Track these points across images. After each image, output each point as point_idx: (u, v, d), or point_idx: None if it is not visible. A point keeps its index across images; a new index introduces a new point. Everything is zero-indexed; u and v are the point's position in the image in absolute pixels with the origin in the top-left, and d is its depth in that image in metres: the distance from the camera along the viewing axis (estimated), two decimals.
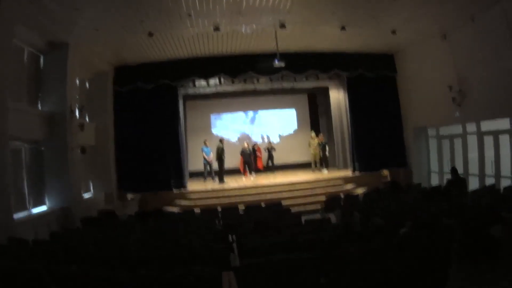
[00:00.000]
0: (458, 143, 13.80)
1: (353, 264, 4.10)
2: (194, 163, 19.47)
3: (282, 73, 15.81)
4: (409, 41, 14.76)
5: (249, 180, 17.39)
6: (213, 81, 16.33)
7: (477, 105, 12.14)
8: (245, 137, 21.45)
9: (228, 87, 16.85)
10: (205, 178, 18.11)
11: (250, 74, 15.80)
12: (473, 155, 12.86)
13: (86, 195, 13.68)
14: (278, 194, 14.32)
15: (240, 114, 22.37)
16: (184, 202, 14.62)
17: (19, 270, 4.07)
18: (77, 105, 12.41)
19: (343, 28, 12.47)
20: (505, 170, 11.56)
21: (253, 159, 19.33)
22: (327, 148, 18.83)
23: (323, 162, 18.82)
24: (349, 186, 15.39)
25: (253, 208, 10.79)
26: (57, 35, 10.95)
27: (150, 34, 11.79)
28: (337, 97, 18.73)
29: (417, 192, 11.08)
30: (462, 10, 11.05)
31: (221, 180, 16.62)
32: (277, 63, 13.18)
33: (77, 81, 13.11)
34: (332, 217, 9.55)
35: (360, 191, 14.71)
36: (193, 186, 16.47)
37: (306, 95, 22.58)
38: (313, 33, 13.56)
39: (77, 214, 10.73)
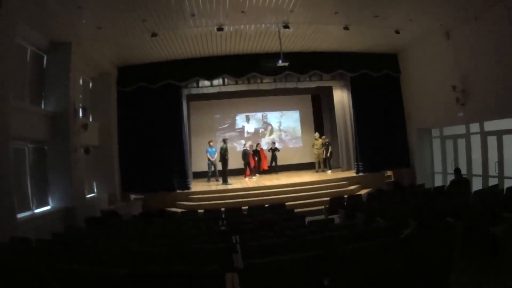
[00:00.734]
0: (461, 143, 13.77)
1: (356, 264, 4.08)
2: (198, 163, 19.55)
3: (286, 73, 15.82)
4: (412, 40, 14.76)
5: (249, 181, 17.39)
6: (217, 81, 16.31)
7: (480, 105, 12.07)
8: (248, 138, 21.47)
9: (231, 87, 16.82)
10: (208, 179, 18.14)
11: (254, 74, 15.82)
12: (476, 155, 12.81)
13: (90, 195, 13.69)
14: (282, 195, 14.29)
15: (244, 115, 22.37)
16: (187, 203, 14.61)
17: (21, 268, 4.06)
18: (80, 105, 12.43)
19: (346, 27, 12.46)
20: (508, 170, 11.51)
21: (256, 160, 19.37)
22: (330, 149, 18.80)
23: (327, 163, 18.82)
24: (352, 187, 15.35)
25: (256, 209, 10.78)
26: (60, 35, 10.96)
27: (154, 35, 11.82)
28: (341, 97, 18.70)
29: (420, 192, 11.05)
30: (465, 9, 11.01)
31: (225, 181, 16.59)
32: (280, 63, 13.19)
33: (81, 81, 13.16)
34: (336, 218, 9.52)
35: (363, 192, 14.70)
36: (197, 187, 16.48)
37: (309, 96, 22.63)
38: (316, 33, 13.58)
39: (81, 214, 10.73)
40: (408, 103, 16.72)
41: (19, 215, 9.03)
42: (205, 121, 21.52)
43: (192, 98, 19.21)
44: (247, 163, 18.62)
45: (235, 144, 21.42)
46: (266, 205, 11.33)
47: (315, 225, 7.25)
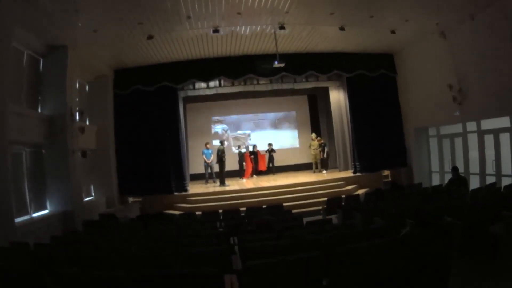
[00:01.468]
0: (458, 142, 13.82)
1: (355, 264, 4.09)
2: (195, 165, 19.53)
3: (282, 74, 15.82)
4: (408, 40, 14.79)
5: (246, 183, 17.41)
6: (213, 83, 16.31)
7: (477, 104, 12.13)
8: (244, 139, 21.48)
9: (228, 89, 16.85)
10: (206, 180, 18.16)
11: (250, 75, 15.83)
12: (473, 154, 12.86)
13: (88, 199, 13.67)
14: (280, 196, 14.26)
15: (240, 116, 22.38)
16: (185, 205, 14.59)
17: (20, 273, 4.06)
18: (77, 108, 12.43)
19: (342, 28, 12.48)
20: (505, 168, 11.56)
21: (253, 161, 19.47)
22: (325, 150, 18.84)
23: (322, 164, 18.87)
24: (350, 187, 15.36)
25: (254, 210, 10.76)
26: (56, 38, 10.95)
27: (150, 37, 11.81)
28: (337, 97, 18.71)
29: (418, 192, 11.08)
30: (461, 8, 11.06)
31: (222, 183, 16.54)
32: (276, 64, 13.20)
33: (77, 84, 13.12)
34: (334, 218, 9.54)
35: (361, 192, 14.72)
36: (195, 189, 16.46)
37: (306, 97, 22.65)
38: (312, 34, 13.60)
39: (79, 217, 10.75)
40: (405, 102, 16.75)
41: (17, 220, 9.04)
42: (201, 123, 21.50)
43: (188, 100, 19.25)
44: (242, 165, 18.69)
45: (233, 148, 21.39)
46: (264, 206, 11.33)
47: (313, 226, 7.26)
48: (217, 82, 16.34)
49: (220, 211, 11.37)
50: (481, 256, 5.65)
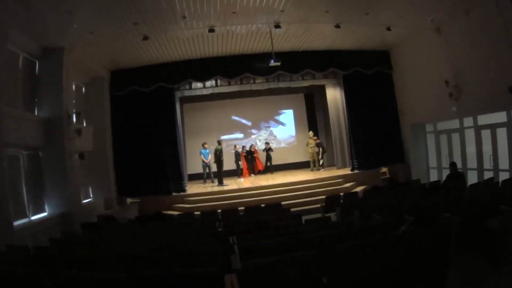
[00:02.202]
0: (455, 137, 13.84)
1: (355, 261, 4.10)
2: (193, 166, 19.53)
3: (278, 73, 15.84)
4: (404, 37, 14.84)
5: (244, 182, 17.40)
6: (210, 82, 16.32)
7: (473, 99, 12.14)
8: (242, 139, 21.48)
9: (224, 88, 16.85)
10: (204, 180, 18.14)
11: (247, 75, 15.83)
12: (471, 149, 12.88)
13: (86, 201, 13.65)
14: (278, 194, 14.29)
15: (237, 116, 22.39)
16: (184, 205, 14.59)
17: (19, 276, 4.05)
18: (74, 110, 12.41)
19: (337, 26, 12.51)
20: (503, 163, 11.57)
21: (249, 160, 19.55)
22: (321, 149, 18.85)
23: (319, 162, 18.91)
24: (348, 185, 15.38)
25: (253, 209, 10.75)
26: (51, 40, 10.93)
27: (145, 38, 11.82)
28: (334, 95, 18.71)
29: (416, 188, 11.10)
30: (455, 4, 11.07)
31: (221, 182, 16.53)
32: (272, 62, 13.20)
33: (74, 86, 13.11)
34: (332, 216, 9.55)
35: (359, 189, 14.74)
36: (193, 189, 16.46)
37: (302, 95, 22.66)
38: (308, 32, 13.61)
39: (77, 219, 10.71)
40: (401, 99, 16.79)
41: (16, 223, 9.04)
42: (199, 123, 21.47)
43: (185, 100, 19.22)
44: (239, 164, 18.76)
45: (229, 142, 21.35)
46: (263, 205, 11.33)
47: (312, 224, 7.27)
48: (213, 82, 16.38)
49: (219, 211, 11.37)
50: (480, 251, 5.66)
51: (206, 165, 17.98)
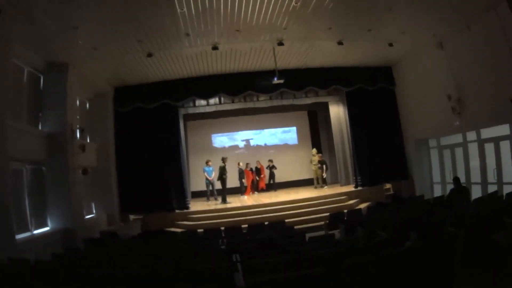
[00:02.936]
0: (459, 152, 13.79)
1: (359, 278, 4.05)
2: (197, 183, 19.50)
3: (282, 90, 15.92)
4: (406, 52, 14.91)
5: (248, 199, 17.33)
6: (213, 100, 16.39)
7: (476, 113, 12.12)
8: (244, 156, 21.43)
9: (228, 106, 16.90)
10: (207, 198, 18.07)
11: (250, 92, 15.91)
12: (474, 163, 12.83)
13: (89, 216, 13.62)
14: (281, 212, 14.19)
15: (241, 133, 22.43)
16: (187, 223, 14.51)
17: None
18: (78, 125, 12.46)
19: (340, 42, 12.59)
20: (507, 176, 11.51)
21: (256, 177, 19.55)
22: (324, 168, 18.81)
23: (322, 180, 18.87)
24: (352, 201, 15.30)
25: (256, 227, 10.71)
26: (56, 55, 11.04)
27: (149, 55, 11.92)
28: (337, 112, 18.76)
29: (420, 203, 11.03)
30: (457, 18, 11.15)
31: (224, 200, 16.48)
32: (276, 80, 13.25)
33: (78, 102, 13.17)
34: (336, 233, 9.48)
35: (363, 205, 14.66)
36: (196, 206, 16.39)
37: (306, 112, 22.73)
38: (310, 49, 13.69)
39: (80, 235, 10.70)
40: (404, 114, 16.79)
41: (18, 236, 9.01)
42: (202, 140, 21.52)
43: (189, 117, 19.29)
44: (242, 182, 18.74)
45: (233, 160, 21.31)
46: (266, 223, 11.27)
47: (315, 242, 7.22)
48: (217, 99, 16.44)
49: (222, 228, 11.31)
50: (486, 265, 5.61)
51: (209, 183, 17.94)
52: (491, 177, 12.00)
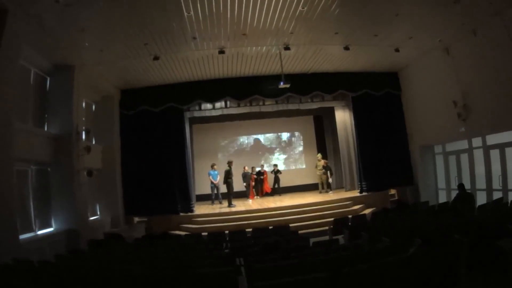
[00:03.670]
0: (464, 158, 13.71)
1: (363, 284, 4.04)
2: (201, 186, 19.48)
3: (288, 95, 15.93)
4: (412, 58, 14.91)
5: (253, 203, 17.29)
6: (219, 104, 16.40)
7: (482, 119, 12.12)
8: (249, 160, 21.41)
9: (234, 110, 16.92)
10: (212, 201, 18.06)
11: (256, 96, 15.93)
12: (480, 169, 12.76)
13: (93, 218, 13.64)
14: (286, 216, 14.14)
15: (246, 137, 22.46)
16: (191, 226, 14.50)
17: None
18: (83, 127, 12.51)
19: (346, 48, 12.58)
20: None
21: (258, 181, 19.58)
22: (329, 173, 18.78)
23: (327, 185, 18.85)
24: (357, 207, 15.23)
25: (260, 231, 10.69)
26: (63, 57, 11.11)
27: (156, 58, 11.94)
28: (343, 117, 18.73)
29: (425, 210, 10.99)
30: (463, 24, 11.16)
31: (230, 204, 16.42)
32: (282, 84, 13.24)
33: (84, 104, 13.21)
34: (341, 239, 9.45)
35: (368, 211, 14.61)
36: (200, 209, 16.39)
37: (311, 117, 22.69)
38: (317, 54, 13.69)
39: (84, 236, 10.71)
40: (410, 120, 16.74)
41: (22, 236, 9.04)
42: (208, 143, 21.57)
43: (194, 121, 19.33)
44: (248, 185, 18.71)
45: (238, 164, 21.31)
46: (270, 227, 11.26)
47: (320, 246, 7.20)
48: (223, 103, 16.44)
49: (226, 232, 11.30)
50: (491, 272, 5.57)
51: (214, 186, 17.96)
52: (496, 183, 11.93)
